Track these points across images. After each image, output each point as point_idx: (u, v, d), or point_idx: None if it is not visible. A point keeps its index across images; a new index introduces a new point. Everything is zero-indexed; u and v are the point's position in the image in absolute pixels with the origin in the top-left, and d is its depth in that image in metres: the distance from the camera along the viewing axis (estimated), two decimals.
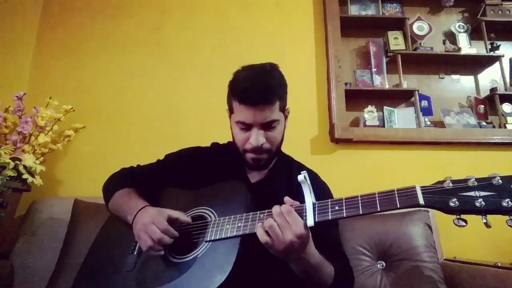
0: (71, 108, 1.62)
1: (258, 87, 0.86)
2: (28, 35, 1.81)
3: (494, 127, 1.74)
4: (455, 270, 1.20)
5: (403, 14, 1.92)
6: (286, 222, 0.68)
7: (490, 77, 1.88)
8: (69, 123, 1.63)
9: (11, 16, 1.73)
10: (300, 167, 1.05)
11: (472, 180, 0.59)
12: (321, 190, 0.97)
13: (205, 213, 0.85)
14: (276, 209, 0.70)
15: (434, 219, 1.36)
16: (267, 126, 0.89)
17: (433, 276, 1.16)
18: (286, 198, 0.74)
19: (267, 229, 0.68)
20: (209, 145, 1.11)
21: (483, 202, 0.57)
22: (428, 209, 1.32)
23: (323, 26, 1.86)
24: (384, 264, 1.23)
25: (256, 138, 0.88)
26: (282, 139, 0.97)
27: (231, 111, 0.95)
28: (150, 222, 0.78)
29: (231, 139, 1.02)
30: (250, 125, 0.89)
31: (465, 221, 0.59)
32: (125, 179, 1.00)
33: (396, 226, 1.27)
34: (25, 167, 1.35)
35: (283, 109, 0.94)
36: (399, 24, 1.89)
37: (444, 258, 1.32)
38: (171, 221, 0.80)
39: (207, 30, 1.86)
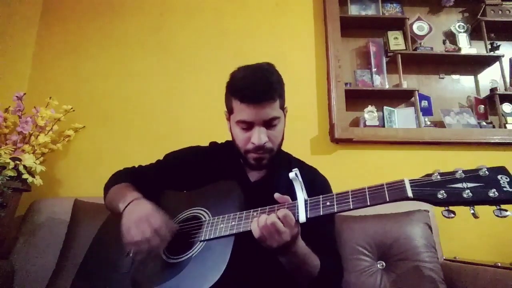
0: (71, 108, 1.62)
1: (259, 85, 0.86)
2: (28, 35, 1.81)
3: (494, 127, 1.74)
4: (455, 270, 1.20)
5: (403, 14, 1.92)
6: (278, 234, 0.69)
7: (490, 77, 1.88)
8: (69, 123, 1.63)
9: (11, 16, 1.73)
10: (300, 164, 1.05)
11: (459, 172, 0.60)
12: (321, 188, 0.97)
13: (199, 213, 0.86)
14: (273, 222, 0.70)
15: (434, 219, 1.36)
16: (269, 123, 0.89)
17: (433, 276, 1.16)
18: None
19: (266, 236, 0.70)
20: (207, 145, 1.11)
21: (470, 193, 0.57)
22: (428, 209, 1.32)
23: (323, 26, 1.86)
24: (384, 264, 1.23)
25: (258, 136, 0.87)
26: (283, 139, 0.97)
27: (230, 111, 0.94)
28: (145, 218, 0.77)
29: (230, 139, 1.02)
30: (251, 124, 0.88)
31: (453, 212, 0.59)
32: (123, 176, 1.02)
33: (396, 226, 1.26)
34: (25, 167, 1.35)
35: (282, 107, 0.94)
36: (399, 24, 1.89)
37: (444, 258, 1.32)
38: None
39: (207, 30, 1.86)
